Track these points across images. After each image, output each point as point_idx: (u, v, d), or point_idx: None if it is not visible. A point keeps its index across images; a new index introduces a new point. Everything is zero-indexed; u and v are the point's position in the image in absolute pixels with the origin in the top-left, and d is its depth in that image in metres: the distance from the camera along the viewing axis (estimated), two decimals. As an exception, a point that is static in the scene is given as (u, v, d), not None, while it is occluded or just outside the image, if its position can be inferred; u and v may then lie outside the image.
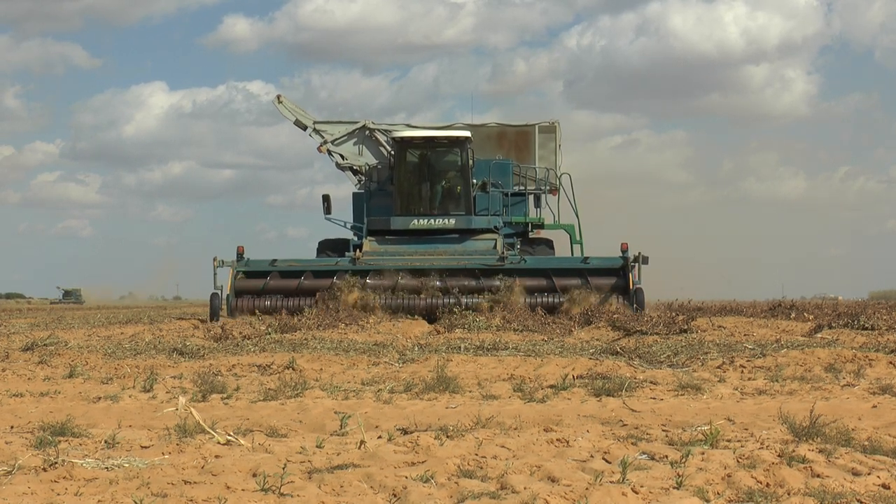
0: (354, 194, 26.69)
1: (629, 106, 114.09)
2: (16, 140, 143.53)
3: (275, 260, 23.81)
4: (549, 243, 26.15)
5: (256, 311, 22.11)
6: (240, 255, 23.71)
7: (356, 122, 26.84)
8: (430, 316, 21.84)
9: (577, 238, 26.45)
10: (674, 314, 18.54)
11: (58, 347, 13.52)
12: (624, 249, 23.58)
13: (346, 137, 26.71)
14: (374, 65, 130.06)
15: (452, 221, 25.13)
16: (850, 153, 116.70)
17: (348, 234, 26.18)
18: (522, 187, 26.51)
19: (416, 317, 21.76)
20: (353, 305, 22.15)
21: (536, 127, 26.98)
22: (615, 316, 18.48)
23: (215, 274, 23.26)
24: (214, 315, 22.83)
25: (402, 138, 25.33)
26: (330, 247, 25.67)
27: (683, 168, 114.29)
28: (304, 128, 26.84)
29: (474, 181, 25.55)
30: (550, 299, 22.85)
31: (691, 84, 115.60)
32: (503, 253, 23.97)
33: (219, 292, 23.24)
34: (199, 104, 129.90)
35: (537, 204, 26.73)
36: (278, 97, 26.84)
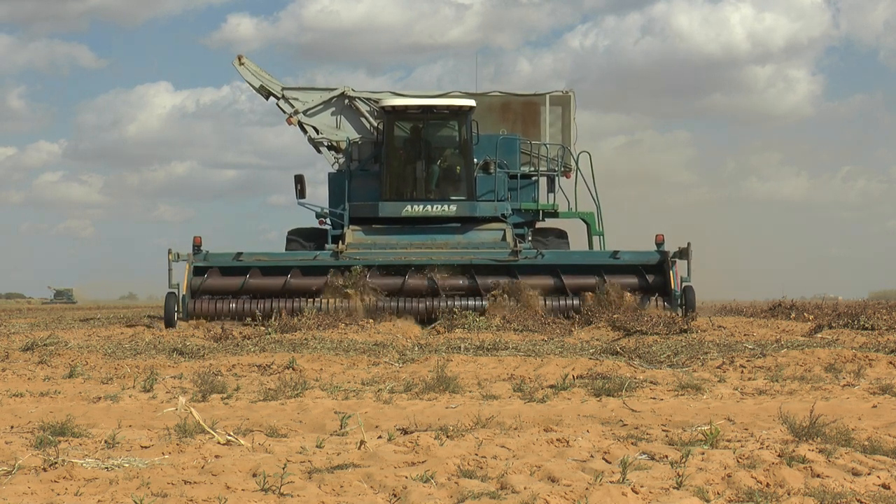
0: (331, 175, 22.76)
1: (632, 106, 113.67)
2: (19, 140, 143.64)
3: (240, 253, 20.07)
4: (561, 234, 22.84)
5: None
6: (196, 246, 19.91)
7: (333, 90, 23.05)
8: (428, 320, 18.81)
9: (598, 228, 22.70)
10: (674, 314, 18.43)
11: (58, 347, 13.52)
12: (659, 242, 20.25)
13: (321, 107, 22.98)
14: (378, 65, 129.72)
15: (453, 208, 21.38)
16: (852, 153, 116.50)
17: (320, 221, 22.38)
18: (532, 168, 22.85)
19: (407, 318, 18.86)
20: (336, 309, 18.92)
21: (547, 97, 23.23)
22: (615, 316, 18.10)
23: (170, 269, 19.49)
24: (170, 321, 18.90)
25: (393, 107, 21.66)
26: (302, 236, 22.17)
27: (686, 168, 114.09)
28: (268, 95, 23.04)
29: (475, 160, 22.01)
30: (577, 301, 19.50)
31: (695, 84, 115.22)
32: (515, 245, 20.63)
33: (175, 291, 19.41)
34: (202, 104, 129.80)
35: (550, 188, 23.06)
36: (239, 58, 22.89)
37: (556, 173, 22.90)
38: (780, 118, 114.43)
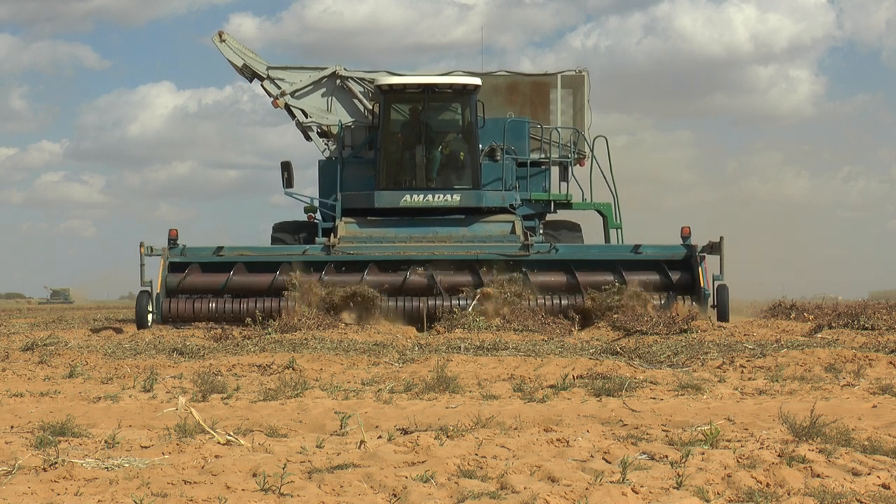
0: (321, 163, 20.80)
1: (634, 106, 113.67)
2: (21, 141, 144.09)
3: (220, 247, 18.45)
4: (575, 227, 20.83)
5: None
6: (172, 240, 18.27)
7: (323, 69, 21.11)
8: (427, 322, 17.24)
9: (616, 221, 20.88)
10: (674, 314, 18.23)
11: (58, 347, 13.53)
12: (685, 235, 18.54)
13: (310, 88, 21.06)
14: (381, 65, 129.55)
15: (457, 198, 19.49)
16: (853, 154, 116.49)
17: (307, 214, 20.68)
18: (543, 155, 20.83)
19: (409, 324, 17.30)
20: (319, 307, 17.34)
21: (559, 77, 21.28)
22: (615, 316, 17.71)
23: (142, 265, 17.76)
24: (142, 322, 17.50)
25: (389, 87, 19.72)
26: (289, 230, 20.34)
27: (688, 168, 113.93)
28: (252, 77, 21.19)
29: (481, 146, 20.08)
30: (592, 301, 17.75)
31: (697, 84, 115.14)
32: (526, 239, 18.83)
33: (148, 289, 17.84)
34: (204, 104, 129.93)
35: (563, 177, 21.07)
36: (220, 34, 20.80)
37: (568, 160, 21.04)
38: (782, 118, 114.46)
